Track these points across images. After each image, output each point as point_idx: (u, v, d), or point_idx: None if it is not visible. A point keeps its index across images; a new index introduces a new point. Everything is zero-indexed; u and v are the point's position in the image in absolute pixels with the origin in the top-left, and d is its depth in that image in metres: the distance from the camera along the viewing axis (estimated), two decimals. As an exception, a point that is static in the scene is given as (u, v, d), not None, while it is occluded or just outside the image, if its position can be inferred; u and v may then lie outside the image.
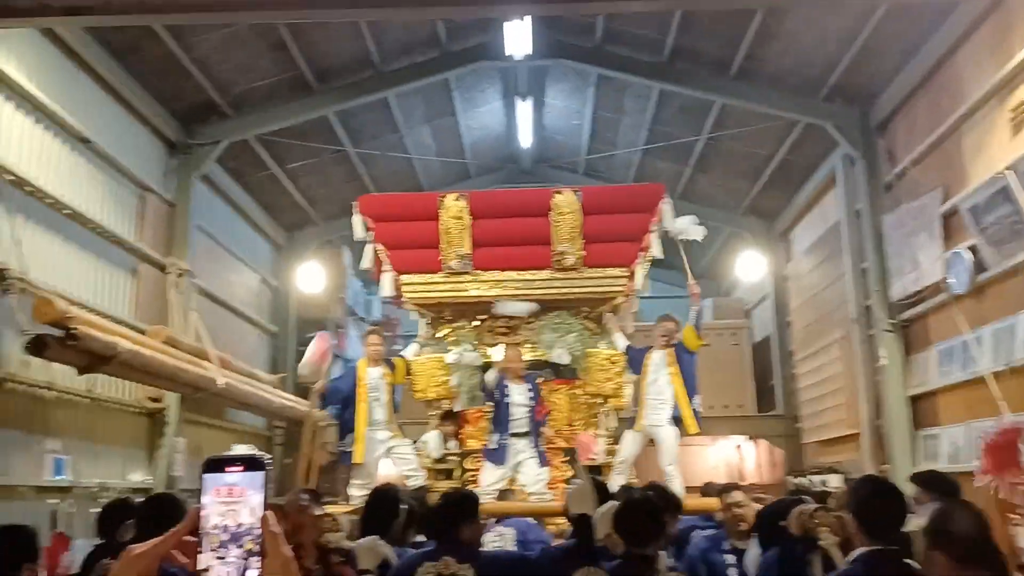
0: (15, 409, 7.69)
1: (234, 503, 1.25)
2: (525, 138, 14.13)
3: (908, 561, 3.02)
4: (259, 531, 1.24)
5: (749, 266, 14.50)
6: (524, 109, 13.17)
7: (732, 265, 15.19)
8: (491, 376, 8.49)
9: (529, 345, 9.00)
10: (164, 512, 4.22)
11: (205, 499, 1.27)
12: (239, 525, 1.24)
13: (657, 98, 12.09)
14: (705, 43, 10.62)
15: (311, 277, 15.36)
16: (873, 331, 10.82)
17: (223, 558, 1.23)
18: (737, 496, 5.40)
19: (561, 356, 8.91)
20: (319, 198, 14.70)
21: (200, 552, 1.24)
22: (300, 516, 4.16)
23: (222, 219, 12.82)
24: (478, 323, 9.19)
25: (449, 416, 9.11)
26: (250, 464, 1.28)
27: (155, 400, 10.32)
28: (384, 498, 5.24)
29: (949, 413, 9.21)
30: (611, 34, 11.03)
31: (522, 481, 8.17)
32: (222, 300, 12.72)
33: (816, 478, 12.39)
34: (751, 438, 15.63)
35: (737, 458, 16.07)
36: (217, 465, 1.28)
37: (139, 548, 1.28)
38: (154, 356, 8.82)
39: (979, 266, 8.35)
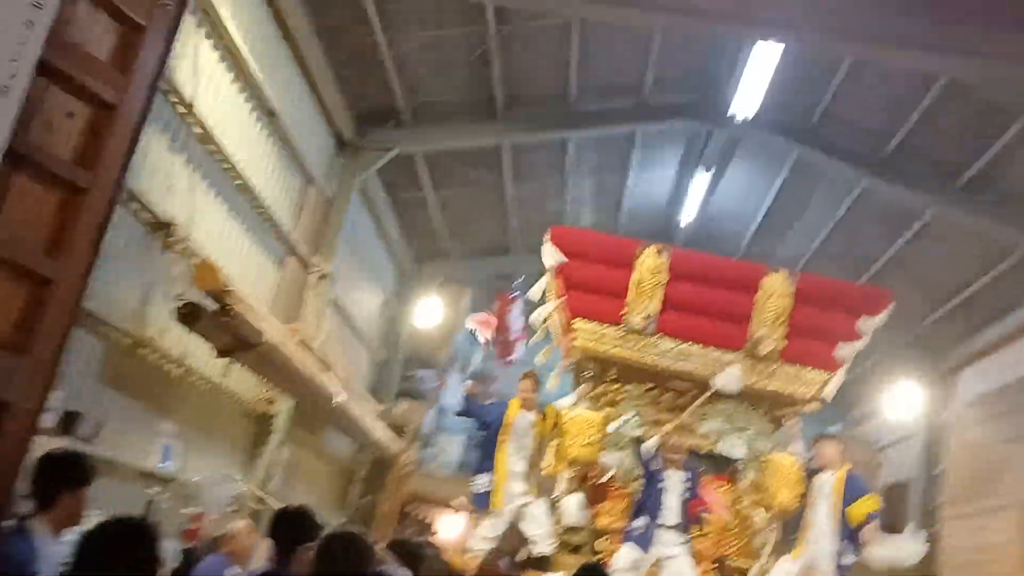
0: (142, 379, 6.87)
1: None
2: (689, 213, 13.17)
3: None
4: None
5: (898, 400, 13.16)
6: (701, 180, 12.25)
7: (871, 394, 13.86)
8: (649, 447, 7.39)
9: (693, 431, 7.94)
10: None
11: None
12: None
13: (857, 195, 11.02)
14: (940, 144, 9.58)
15: (430, 312, 14.64)
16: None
17: None
18: None
19: (734, 448, 7.81)
20: (459, 232, 13.98)
21: None
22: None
23: (364, 230, 12.14)
24: (645, 391, 8.18)
25: (583, 483, 8.12)
26: None
27: (270, 402, 9.48)
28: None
29: None
30: (831, 116, 10.10)
31: None
32: (347, 314, 11.94)
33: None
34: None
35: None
36: None
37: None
38: (292, 354, 7.99)
39: None
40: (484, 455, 7.47)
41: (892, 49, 6.66)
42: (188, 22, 6.48)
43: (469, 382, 7.84)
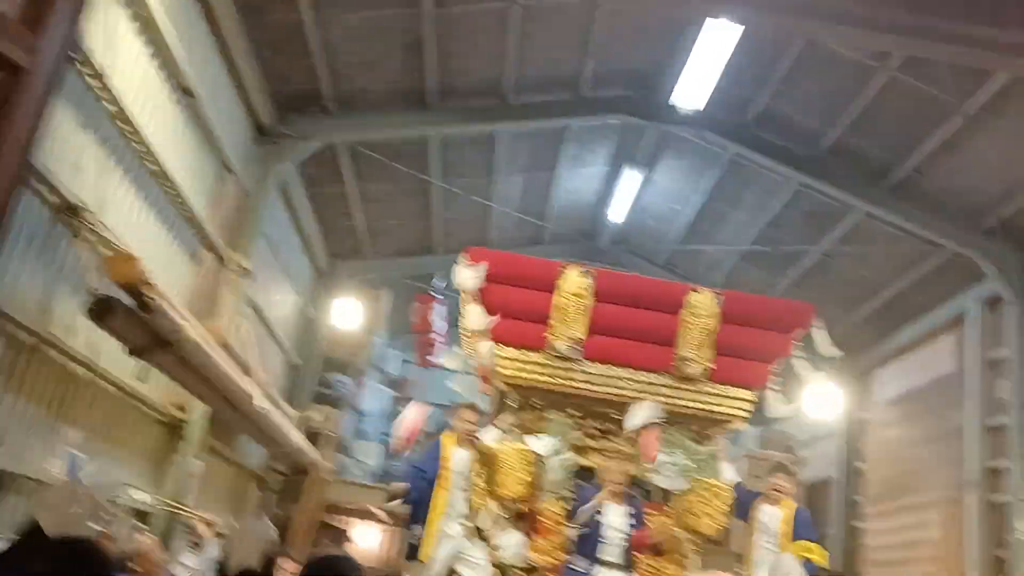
0: (44, 382, 6.12)
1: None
2: (618, 213, 12.98)
3: None
4: None
5: (818, 399, 13.28)
6: (630, 180, 12.06)
7: (790, 393, 13.94)
8: (586, 491, 7.01)
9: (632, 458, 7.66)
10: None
11: None
12: None
13: (790, 197, 11.02)
14: (873, 144, 9.64)
15: (347, 314, 14.04)
16: (1002, 499, 9.55)
17: None
18: None
19: (674, 480, 7.51)
20: (380, 230, 13.41)
21: None
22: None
23: (280, 225, 11.46)
24: (571, 418, 7.85)
25: (518, 519, 7.77)
26: None
27: (180, 409, 8.74)
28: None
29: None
30: (767, 115, 10.03)
31: None
32: (263, 314, 11.24)
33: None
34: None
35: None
36: None
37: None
38: (212, 355, 7.33)
39: None
40: (419, 507, 6.80)
41: (841, 27, 6.58)
42: (102, -15, 5.83)
43: (397, 439, 7.16)
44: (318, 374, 14.06)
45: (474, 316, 7.80)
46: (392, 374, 17.41)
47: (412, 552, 6.84)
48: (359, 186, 11.91)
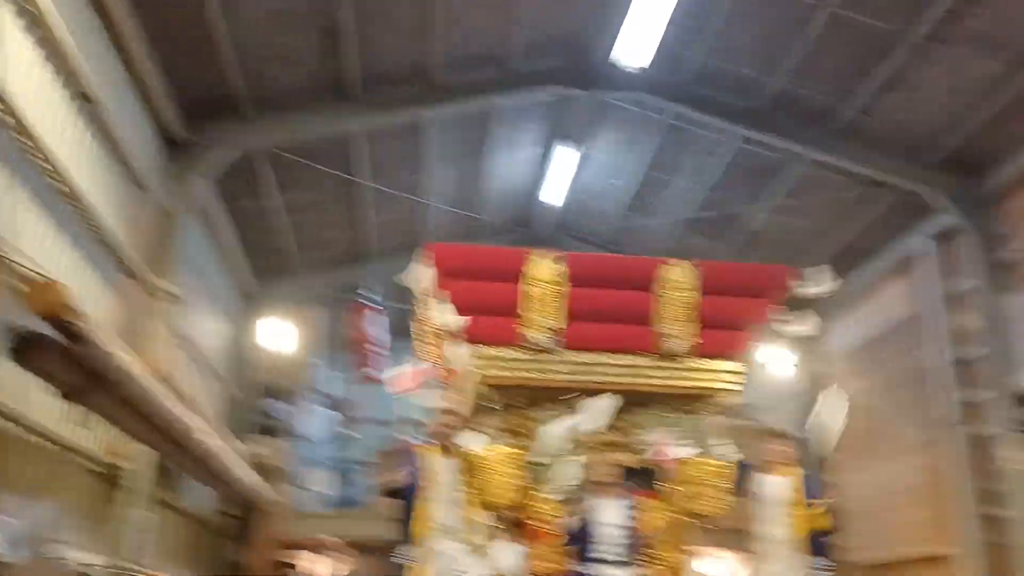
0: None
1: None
2: (556, 195, 12.49)
3: None
4: None
5: (773, 359, 13.08)
6: (566, 158, 11.58)
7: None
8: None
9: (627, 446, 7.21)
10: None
11: None
12: None
13: (733, 155, 10.72)
14: (817, 88, 9.39)
15: (280, 336, 13.20)
16: (987, 432, 9.44)
17: None
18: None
19: (687, 450, 7.09)
20: (308, 243, 12.60)
21: None
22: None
23: (202, 247, 10.56)
24: (558, 413, 7.37)
25: (512, 528, 7.23)
26: None
27: (121, 457, 7.82)
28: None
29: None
30: (707, 71, 9.69)
31: None
32: (193, 344, 10.32)
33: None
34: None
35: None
36: None
37: None
38: (154, 391, 6.50)
39: None
40: (406, 524, 6.15)
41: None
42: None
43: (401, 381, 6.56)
44: (257, 404, 13.15)
45: (444, 316, 7.27)
46: (335, 395, 16.52)
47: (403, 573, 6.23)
48: (282, 197, 11.09)
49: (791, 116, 9.82)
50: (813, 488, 6.72)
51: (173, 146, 8.86)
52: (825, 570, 6.40)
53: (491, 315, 7.15)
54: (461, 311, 7.14)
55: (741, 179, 11.25)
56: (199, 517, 11.12)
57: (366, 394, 16.59)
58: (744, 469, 6.93)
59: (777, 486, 6.65)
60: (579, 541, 6.38)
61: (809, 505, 6.51)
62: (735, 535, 7.28)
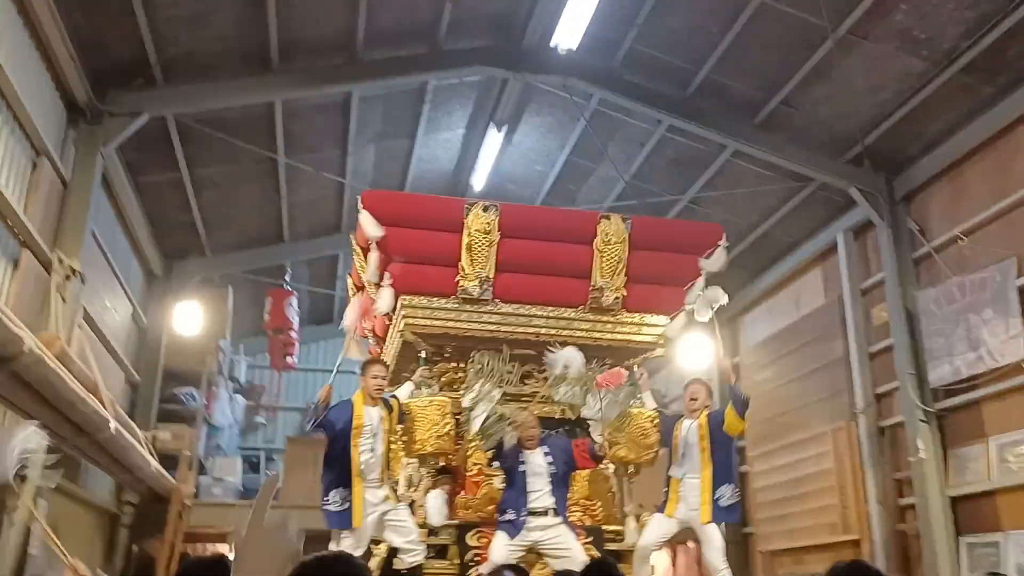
0: None
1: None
2: (478, 179, 12.31)
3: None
4: None
5: (689, 348, 13.24)
6: (490, 143, 11.41)
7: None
8: (510, 439, 6.63)
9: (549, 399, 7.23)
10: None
11: None
12: None
13: (656, 142, 10.73)
14: (742, 80, 9.45)
15: (188, 319, 12.63)
16: (892, 421, 9.73)
17: None
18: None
19: (606, 411, 7.11)
20: (218, 221, 12.07)
21: None
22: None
23: (106, 221, 9.98)
24: (486, 364, 7.33)
25: (439, 476, 7.14)
26: None
27: (13, 442, 7.28)
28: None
29: (1019, 516, 8.06)
30: (634, 57, 9.63)
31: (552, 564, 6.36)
32: (96, 324, 9.76)
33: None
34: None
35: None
36: None
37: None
38: (59, 372, 6.06)
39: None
40: (334, 469, 6.30)
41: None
42: None
43: (323, 392, 6.39)
44: (161, 389, 12.56)
45: (371, 265, 7.22)
46: (243, 381, 15.98)
47: (333, 519, 6.23)
48: (193, 171, 10.58)
49: (716, 106, 9.86)
50: (718, 413, 6.74)
51: (77, 112, 8.31)
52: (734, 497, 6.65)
53: (425, 264, 7.15)
54: (395, 259, 7.05)
55: (664, 168, 11.29)
56: (98, 506, 10.58)
57: (281, 381, 16.18)
58: (664, 419, 7.08)
59: (693, 428, 6.79)
60: (510, 491, 6.46)
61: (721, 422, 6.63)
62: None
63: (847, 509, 10.32)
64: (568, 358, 6.87)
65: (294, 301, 13.40)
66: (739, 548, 12.65)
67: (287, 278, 13.57)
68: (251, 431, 16.39)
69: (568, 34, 8.94)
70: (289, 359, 13.57)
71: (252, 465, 15.10)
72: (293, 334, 13.37)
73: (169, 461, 11.17)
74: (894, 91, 8.81)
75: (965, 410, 8.82)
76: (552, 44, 9.23)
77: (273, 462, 15.22)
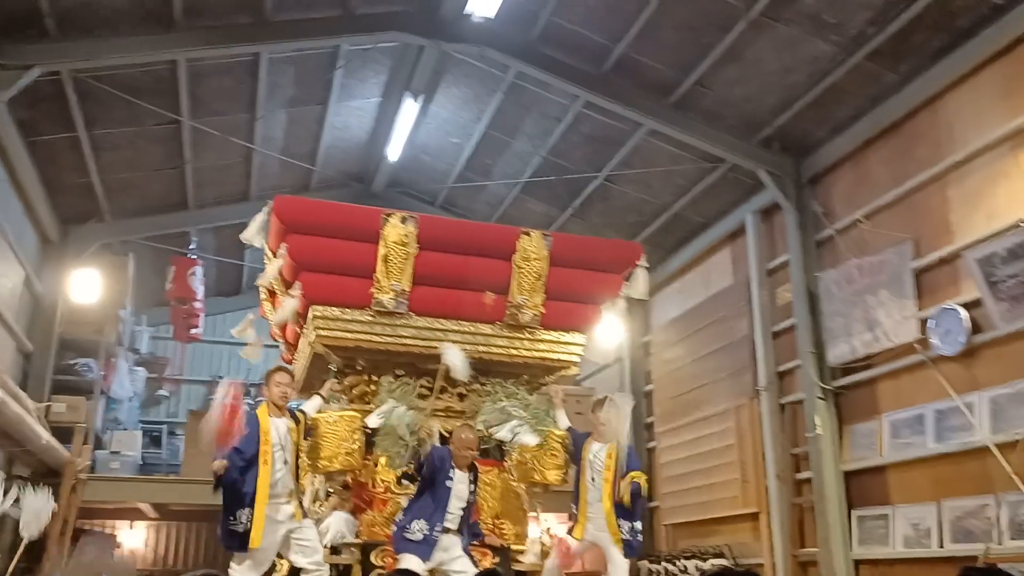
0: None
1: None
2: (393, 150, 12.11)
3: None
4: None
5: (602, 329, 13.37)
6: (405, 113, 11.21)
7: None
8: (439, 452, 6.49)
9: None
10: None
11: None
12: None
13: (573, 118, 10.72)
14: (659, 58, 9.49)
15: (85, 286, 12.11)
16: (792, 398, 10.00)
17: None
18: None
19: (522, 435, 7.16)
20: (118, 186, 11.59)
21: None
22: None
23: (-7, 182, 9.47)
24: (397, 379, 7.30)
25: (344, 493, 7.30)
26: None
27: None
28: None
29: (907, 491, 8.38)
30: (551, 30, 9.57)
31: None
32: (-19, 291, 9.27)
33: (689, 563, 11.24)
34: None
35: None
36: None
37: None
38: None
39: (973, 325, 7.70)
40: (238, 487, 6.02)
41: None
42: None
43: (215, 433, 6.08)
44: (56, 360, 12.03)
45: (274, 271, 7.13)
46: (143, 352, 15.43)
47: (234, 540, 5.96)
48: (92, 132, 10.10)
49: (632, 84, 9.88)
50: (631, 456, 7.08)
51: (-42, 62, 7.83)
52: (635, 533, 6.93)
53: (337, 274, 7.08)
54: (305, 269, 6.98)
55: (579, 144, 11.28)
56: (-16, 480, 10.08)
57: (185, 353, 15.71)
58: (575, 436, 7.23)
59: (601, 452, 7.01)
60: (425, 504, 6.30)
61: (625, 475, 6.81)
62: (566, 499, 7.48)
63: (747, 483, 10.59)
64: (451, 363, 6.82)
65: (199, 271, 12.99)
66: (644, 522, 12.79)
67: (192, 246, 13.12)
68: (153, 404, 15.88)
69: (485, 2, 8.78)
70: (193, 331, 13.17)
71: (153, 439, 14.64)
72: (197, 304, 12.96)
73: (64, 434, 10.74)
74: (804, 74, 8.96)
75: (861, 388, 9.11)
76: (466, 12, 9.06)
77: (175, 436, 14.77)
